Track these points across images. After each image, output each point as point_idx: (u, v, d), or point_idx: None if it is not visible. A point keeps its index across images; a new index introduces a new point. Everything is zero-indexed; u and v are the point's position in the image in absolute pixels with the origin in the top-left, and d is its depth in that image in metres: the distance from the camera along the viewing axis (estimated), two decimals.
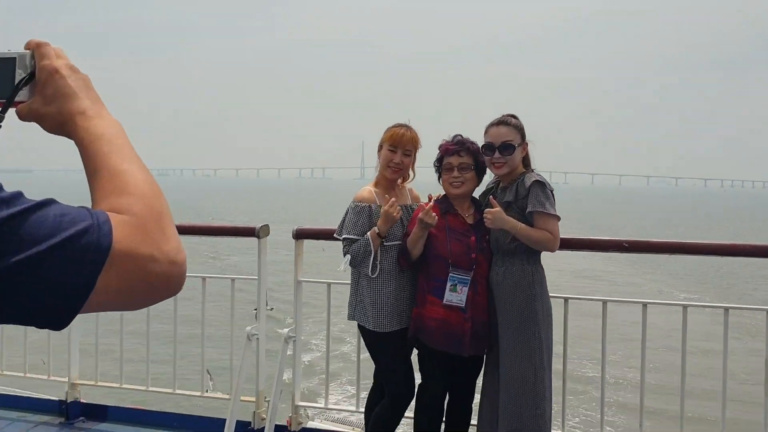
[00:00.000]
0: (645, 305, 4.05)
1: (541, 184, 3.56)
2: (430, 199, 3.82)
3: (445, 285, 3.62)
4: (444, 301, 3.61)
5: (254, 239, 4.53)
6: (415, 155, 3.88)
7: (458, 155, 3.70)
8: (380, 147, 3.90)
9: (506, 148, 3.61)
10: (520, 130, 3.68)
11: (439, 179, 3.80)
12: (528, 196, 3.54)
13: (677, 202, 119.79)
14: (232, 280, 4.84)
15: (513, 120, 3.69)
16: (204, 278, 4.83)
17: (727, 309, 3.91)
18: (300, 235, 4.51)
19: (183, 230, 4.70)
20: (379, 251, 3.74)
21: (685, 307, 4.00)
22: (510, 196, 3.62)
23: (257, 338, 4.48)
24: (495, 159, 3.64)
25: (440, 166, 3.76)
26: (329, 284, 4.65)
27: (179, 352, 4.92)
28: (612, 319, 4.20)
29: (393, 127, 3.88)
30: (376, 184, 3.92)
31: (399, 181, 3.96)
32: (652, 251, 4.34)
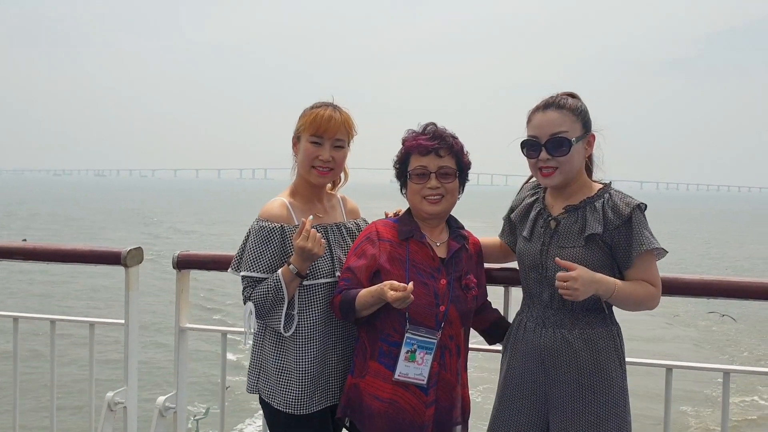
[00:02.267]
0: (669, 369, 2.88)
1: (642, 210, 2.42)
2: (388, 216, 2.76)
3: (399, 350, 2.52)
4: (396, 375, 2.50)
5: (120, 268, 3.23)
6: (349, 146, 2.72)
7: (437, 155, 2.58)
8: (296, 139, 2.70)
9: (559, 144, 2.41)
10: (581, 115, 2.47)
11: (402, 189, 2.68)
12: (625, 226, 2.39)
13: None
14: (91, 325, 3.43)
15: (570, 101, 2.47)
16: (53, 321, 3.47)
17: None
18: (184, 263, 3.21)
19: (12, 253, 3.35)
20: (296, 296, 2.57)
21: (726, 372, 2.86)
22: (596, 225, 2.41)
23: (124, 408, 3.20)
24: (541, 162, 2.45)
25: (405, 169, 2.63)
26: (224, 333, 3.34)
27: (20, 421, 3.54)
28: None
29: (313, 108, 2.67)
30: (294, 194, 2.72)
31: (328, 186, 2.79)
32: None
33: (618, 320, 2.50)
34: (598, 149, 2.55)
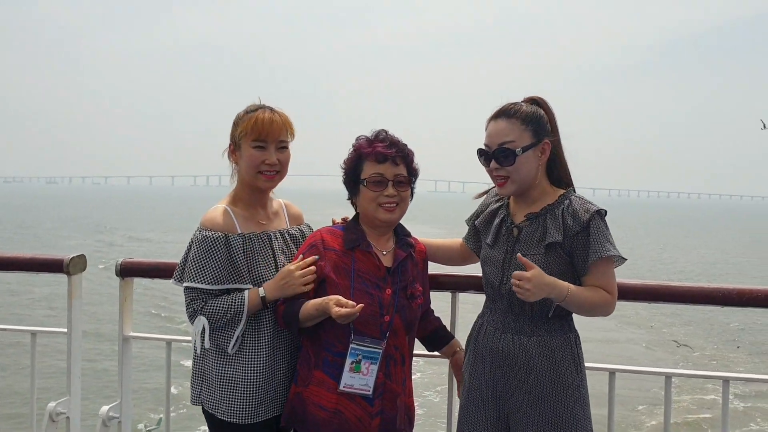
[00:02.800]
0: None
1: (602, 216, 2.42)
2: (335, 224, 2.71)
3: (344, 359, 2.49)
4: (341, 386, 2.48)
5: (62, 276, 3.17)
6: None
7: (393, 163, 2.57)
8: (235, 146, 2.65)
9: (504, 154, 2.42)
10: (532, 123, 2.45)
11: (353, 196, 2.65)
12: (583, 233, 2.39)
13: None
14: (33, 334, 3.36)
15: (523, 108, 2.46)
16: None
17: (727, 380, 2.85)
18: (127, 270, 3.16)
19: None
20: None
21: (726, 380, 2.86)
22: (556, 233, 2.40)
23: (67, 418, 3.14)
24: (495, 172, 2.46)
25: (356, 176, 2.60)
26: (169, 342, 3.30)
27: None
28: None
29: (249, 112, 2.62)
30: (235, 201, 2.66)
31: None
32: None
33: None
34: (572, 154, 2.54)
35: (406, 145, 2.61)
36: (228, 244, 2.52)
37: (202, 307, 2.50)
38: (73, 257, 3.16)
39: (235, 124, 2.63)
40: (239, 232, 2.57)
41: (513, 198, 2.57)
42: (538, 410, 2.42)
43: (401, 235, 2.69)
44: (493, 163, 2.44)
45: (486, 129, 2.48)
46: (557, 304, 2.38)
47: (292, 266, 2.51)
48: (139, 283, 3.35)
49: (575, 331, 2.51)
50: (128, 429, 3.20)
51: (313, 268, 2.50)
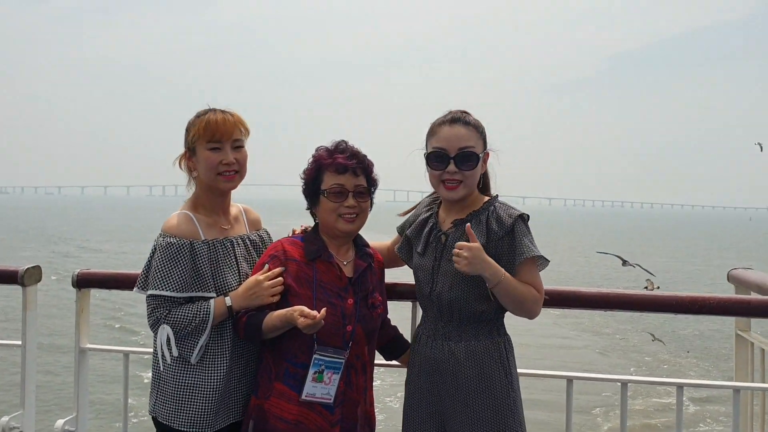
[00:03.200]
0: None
1: (525, 220, 2.50)
2: (295, 234, 2.71)
3: (305, 370, 2.51)
4: (303, 396, 2.49)
5: (17, 287, 3.12)
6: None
7: (353, 174, 2.60)
8: (190, 151, 2.63)
9: (467, 158, 2.49)
10: (482, 133, 2.57)
11: (313, 206, 2.67)
12: (508, 237, 2.47)
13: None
14: None
15: (472, 118, 2.57)
16: None
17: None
18: (84, 281, 3.13)
19: None
20: None
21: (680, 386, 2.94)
22: (479, 237, 2.47)
23: None
24: (448, 174, 2.49)
25: (316, 186, 2.62)
26: (127, 353, 3.25)
27: None
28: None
29: (200, 116, 2.61)
30: (195, 207, 2.65)
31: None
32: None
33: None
34: (491, 167, 2.64)
35: (366, 156, 2.64)
36: (193, 250, 2.51)
37: (165, 316, 2.47)
38: (28, 268, 3.12)
39: (188, 130, 2.62)
40: (203, 238, 2.55)
41: (444, 206, 2.64)
42: (468, 416, 2.47)
43: (360, 245, 2.72)
44: (451, 166, 2.48)
45: (436, 134, 2.53)
46: (490, 288, 2.42)
47: (260, 276, 2.51)
48: (95, 294, 3.30)
49: (506, 335, 2.57)
50: None
51: (281, 279, 2.52)
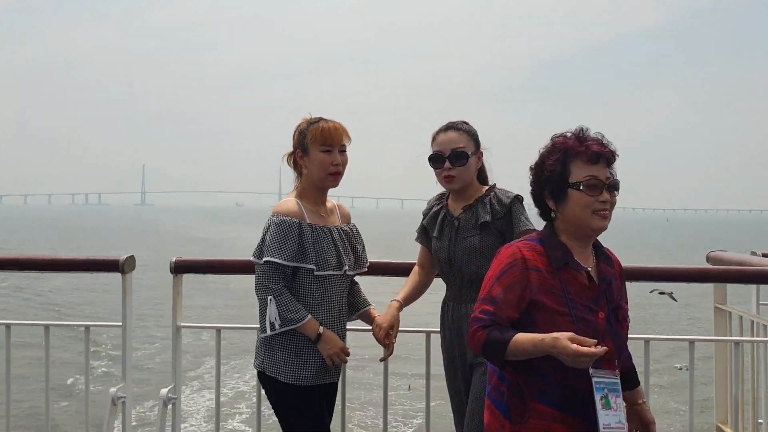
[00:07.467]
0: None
1: (520, 200, 3.03)
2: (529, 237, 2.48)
3: (563, 391, 2.20)
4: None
5: (117, 275, 3.54)
6: None
7: (606, 163, 2.29)
8: (302, 151, 3.10)
9: (458, 156, 3.04)
10: (473, 136, 3.12)
11: (557, 201, 2.31)
12: (509, 214, 3.01)
13: None
14: (87, 327, 3.72)
15: (464, 125, 3.13)
16: (47, 326, 3.73)
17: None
18: (180, 268, 3.56)
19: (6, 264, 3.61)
20: (311, 285, 3.02)
21: (647, 341, 3.53)
22: (485, 215, 3.02)
23: (123, 402, 3.52)
24: (445, 171, 3.06)
25: (563, 178, 2.27)
26: (218, 329, 3.72)
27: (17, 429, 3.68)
28: None
29: (315, 123, 3.10)
30: (301, 197, 3.12)
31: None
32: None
33: None
34: (487, 163, 3.20)
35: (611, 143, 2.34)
36: (301, 230, 2.98)
37: (276, 290, 2.92)
38: (127, 258, 3.51)
39: (302, 133, 3.09)
40: (308, 221, 3.03)
41: (452, 198, 3.19)
42: (485, 366, 2.82)
43: (599, 247, 2.38)
44: (447, 164, 3.04)
45: (435, 140, 3.10)
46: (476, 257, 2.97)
47: (346, 350, 3.01)
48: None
49: None
50: (179, 409, 3.57)
51: (345, 358, 3.00)
